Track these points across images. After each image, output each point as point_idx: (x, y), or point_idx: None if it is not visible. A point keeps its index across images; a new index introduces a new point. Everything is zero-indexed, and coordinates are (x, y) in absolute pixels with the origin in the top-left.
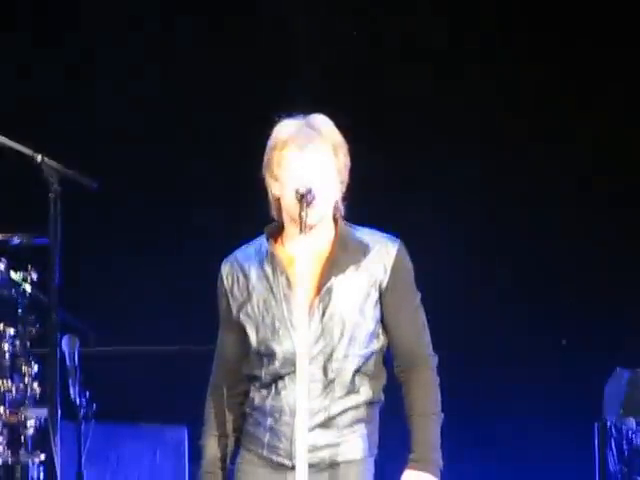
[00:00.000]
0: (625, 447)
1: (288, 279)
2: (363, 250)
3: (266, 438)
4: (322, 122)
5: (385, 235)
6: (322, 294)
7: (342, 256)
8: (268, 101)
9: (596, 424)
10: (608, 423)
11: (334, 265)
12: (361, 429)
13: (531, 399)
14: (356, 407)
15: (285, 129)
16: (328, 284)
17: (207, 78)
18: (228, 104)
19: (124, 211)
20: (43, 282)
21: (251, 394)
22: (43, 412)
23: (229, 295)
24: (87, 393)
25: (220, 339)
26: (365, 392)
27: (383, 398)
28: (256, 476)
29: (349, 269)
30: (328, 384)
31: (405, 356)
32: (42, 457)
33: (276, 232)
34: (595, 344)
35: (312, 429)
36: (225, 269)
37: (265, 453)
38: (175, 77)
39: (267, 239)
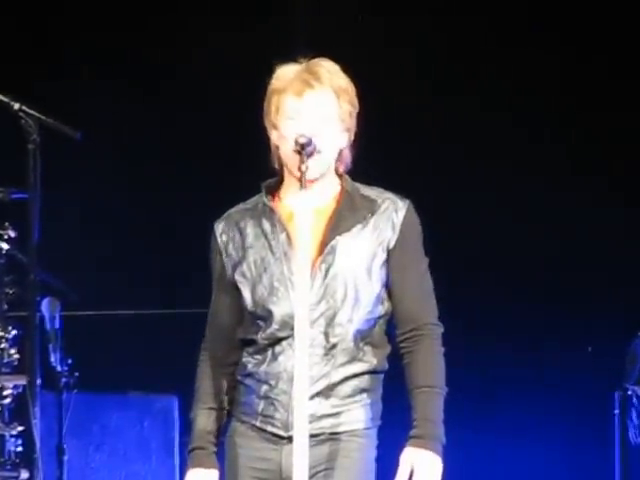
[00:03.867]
0: None
1: (289, 236)
2: (370, 207)
3: (260, 407)
4: (323, 66)
5: (394, 193)
6: (325, 253)
7: (348, 213)
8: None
9: (616, 392)
10: (629, 391)
11: (339, 222)
12: (364, 399)
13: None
14: (359, 376)
15: (283, 74)
16: (332, 242)
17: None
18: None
19: (110, 165)
20: (21, 240)
21: (243, 360)
22: (21, 380)
23: (224, 254)
24: (69, 360)
25: (214, 302)
26: (369, 360)
27: (387, 367)
28: (248, 449)
29: (355, 227)
30: (330, 350)
31: (408, 323)
32: (20, 429)
33: (275, 187)
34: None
35: (312, 398)
36: (219, 227)
37: (259, 423)
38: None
39: (265, 194)
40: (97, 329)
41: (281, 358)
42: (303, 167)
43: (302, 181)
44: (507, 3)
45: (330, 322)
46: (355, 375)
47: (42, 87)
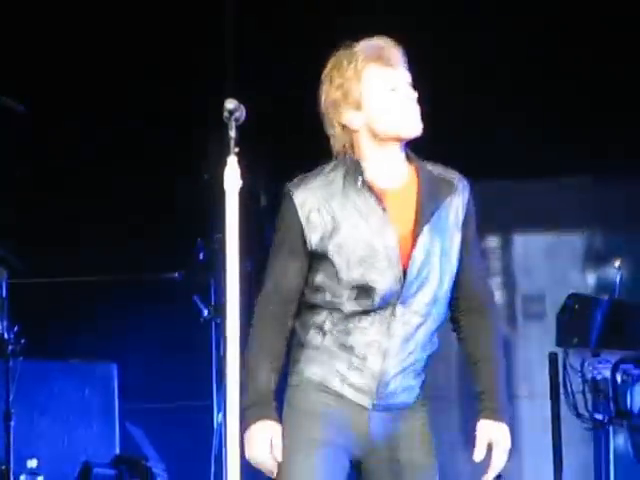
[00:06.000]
0: (579, 380)
1: (385, 211)
2: (449, 186)
3: (350, 377)
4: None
5: (454, 171)
6: (423, 232)
7: (432, 191)
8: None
9: (548, 355)
10: (561, 354)
11: (428, 200)
12: (423, 376)
13: None
14: (431, 354)
15: (362, 52)
16: (427, 221)
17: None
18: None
19: (53, 132)
20: None
21: (325, 327)
22: None
23: (304, 223)
24: (15, 327)
25: (282, 266)
26: (436, 342)
27: None
28: (333, 415)
29: (440, 208)
30: (417, 329)
31: (474, 297)
32: None
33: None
34: None
35: (398, 373)
36: (299, 196)
37: (347, 392)
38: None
39: (356, 171)
40: (41, 297)
41: (373, 330)
42: (232, 133)
43: (230, 147)
44: None
45: (420, 302)
46: (430, 353)
47: None
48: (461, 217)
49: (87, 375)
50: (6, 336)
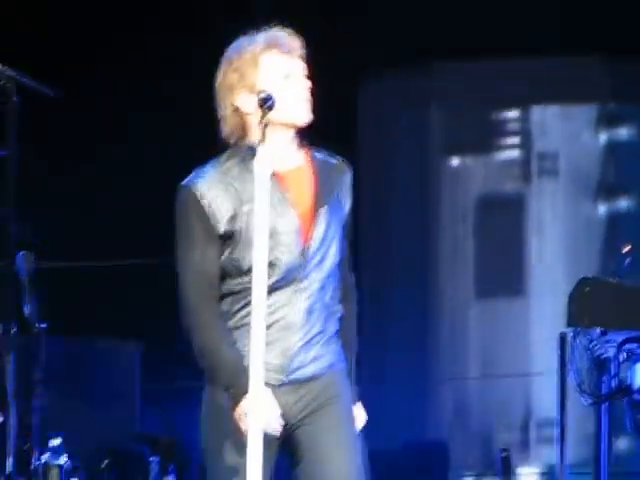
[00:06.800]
0: (586, 358)
1: (287, 191)
2: (339, 169)
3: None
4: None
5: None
6: (324, 204)
7: (326, 176)
8: None
9: (558, 333)
10: (570, 333)
11: (324, 184)
12: (337, 338)
13: None
14: (338, 318)
15: (268, 37)
16: (325, 203)
17: None
18: None
19: (83, 121)
20: None
21: (233, 311)
22: None
23: (209, 212)
24: (42, 309)
25: (200, 256)
26: (340, 307)
27: None
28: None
29: (335, 189)
30: (318, 300)
31: (345, 279)
32: None
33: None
34: None
35: (304, 346)
36: (202, 186)
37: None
38: None
39: (254, 154)
40: (68, 280)
41: (277, 306)
42: (265, 121)
43: (263, 135)
44: None
45: (320, 275)
46: (337, 318)
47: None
48: (346, 200)
49: (112, 356)
50: (33, 317)
